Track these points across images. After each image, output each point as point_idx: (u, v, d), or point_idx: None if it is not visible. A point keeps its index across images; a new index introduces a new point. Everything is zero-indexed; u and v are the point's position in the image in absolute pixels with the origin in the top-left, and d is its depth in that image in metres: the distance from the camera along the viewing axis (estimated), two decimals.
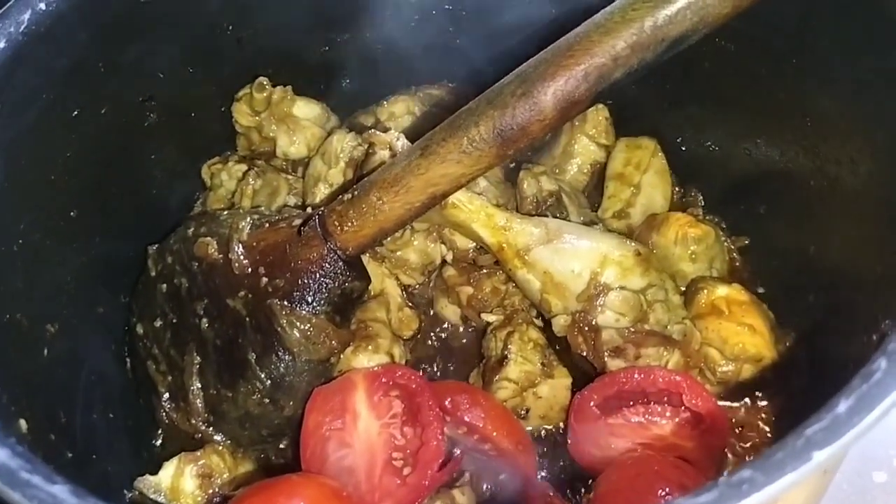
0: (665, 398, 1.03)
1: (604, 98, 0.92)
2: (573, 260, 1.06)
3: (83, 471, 0.94)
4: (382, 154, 1.10)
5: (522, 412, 1.08)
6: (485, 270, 1.16)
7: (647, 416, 1.03)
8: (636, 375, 1.03)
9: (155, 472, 1.02)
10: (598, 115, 1.29)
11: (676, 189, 1.30)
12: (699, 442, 1.01)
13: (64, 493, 0.56)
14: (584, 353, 1.07)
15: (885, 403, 0.59)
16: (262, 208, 1.19)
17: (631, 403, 1.04)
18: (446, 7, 1.32)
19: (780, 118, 1.11)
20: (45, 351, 0.96)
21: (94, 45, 1.03)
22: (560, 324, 1.08)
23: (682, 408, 1.02)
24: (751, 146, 1.19)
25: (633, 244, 1.07)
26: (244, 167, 1.26)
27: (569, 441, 1.07)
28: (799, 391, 1.03)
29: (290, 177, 1.27)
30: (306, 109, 1.30)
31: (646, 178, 1.26)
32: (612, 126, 1.30)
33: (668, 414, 1.03)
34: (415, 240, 1.16)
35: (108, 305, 1.14)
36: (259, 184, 1.23)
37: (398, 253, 1.17)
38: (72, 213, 1.05)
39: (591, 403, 1.04)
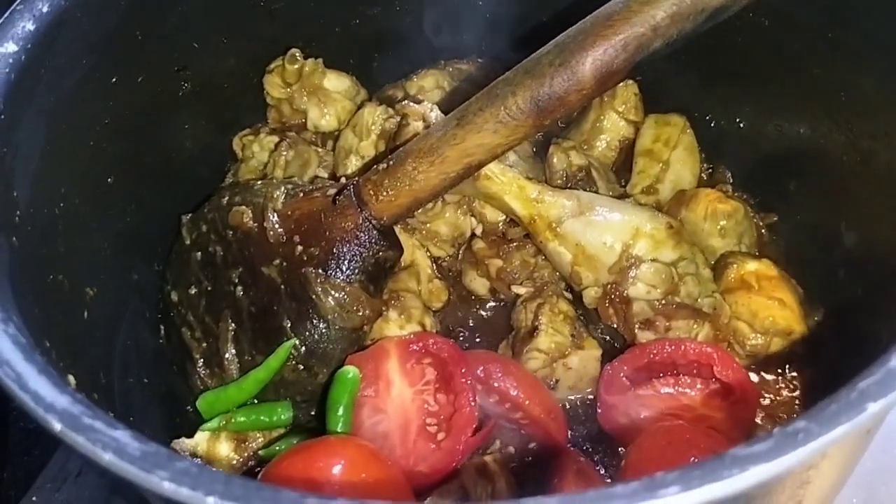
0: (695, 370, 1.03)
1: (636, 73, 0.92)
2: (605, 232, 1.06)
3: None
4: (416, 125, 1.11)
5: (552, 382, 1.09)
6: (514, 243, 1.16)
7: (677, 387, 1.04)
8: (667, 347, 1.03)
9: (190, 436, 1.04)
10: (628, 92, 1.28)
11: (705, 165, 1.30)
12: (729, 413, 1.02)
13: (126, 438, 0.57)
14: (615, 325, 1.08)
15: None
16: (295, 179, 1.20)
17: (661, 375, 1.05)
18: None
19: (812, 93, 1.11)
20: (86, 313, 0.98)
21: (132, 14, 1.03)
22: (591, 296, 1.08)
23: (713, 379, 1.02)
24: (782, 122, 1.19)
25: (664, 217, 1.08)
26: (275, 139, 1.27)
27: (598, 411, 1.07)
28: (828, 364, 1.04)
29: (319, 150, 1.28)
30: (337, 82, 1.30)
31: (675, 154, 1.26)
32: (642, 102, 1.30)
33: (698, 385, 1.04)
34: (445, 212, 1.17)
35: (142, 273, 1.15)
36: (291, 155, 1.23)
37: (429, 225, 1.18)
38: (109, 180, 1.06)
39: (622, 374, 1.05)
